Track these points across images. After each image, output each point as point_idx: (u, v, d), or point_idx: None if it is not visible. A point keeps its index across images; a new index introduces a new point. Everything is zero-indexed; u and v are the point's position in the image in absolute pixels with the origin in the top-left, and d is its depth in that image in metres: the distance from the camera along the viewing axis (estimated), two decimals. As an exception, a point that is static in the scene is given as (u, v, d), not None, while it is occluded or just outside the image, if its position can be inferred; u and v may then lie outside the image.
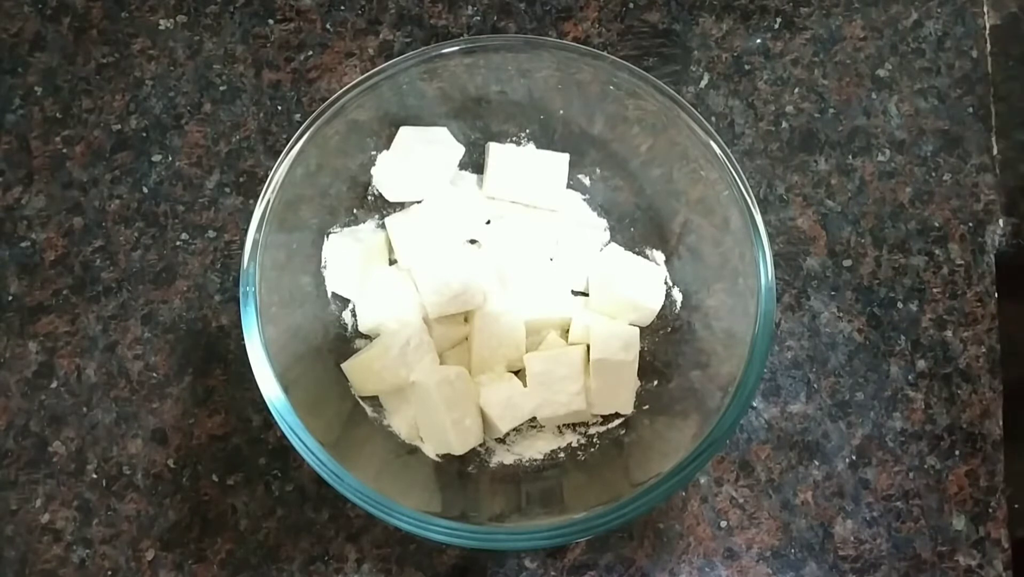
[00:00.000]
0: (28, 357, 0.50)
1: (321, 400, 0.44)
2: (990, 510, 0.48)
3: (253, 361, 0.40)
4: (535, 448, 0.47)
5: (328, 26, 0.56)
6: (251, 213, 0.42)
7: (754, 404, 0.49)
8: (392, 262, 0.49)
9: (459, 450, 0.45)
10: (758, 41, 0.56)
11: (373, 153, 0.48)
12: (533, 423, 0.47)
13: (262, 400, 0.40)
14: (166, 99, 0.54)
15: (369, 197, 0.49)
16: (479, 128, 0.50)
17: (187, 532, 0.47)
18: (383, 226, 0.49)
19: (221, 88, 0.54)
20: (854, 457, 0.48)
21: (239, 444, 0.48)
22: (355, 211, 0.49)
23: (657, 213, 0.49)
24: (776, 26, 0.56)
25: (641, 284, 0.47)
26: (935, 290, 0.51)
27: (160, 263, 0.51)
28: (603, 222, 0.50)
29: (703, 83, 0.55)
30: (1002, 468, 0.49)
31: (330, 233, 0.48)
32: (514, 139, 0.50)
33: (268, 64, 0.55)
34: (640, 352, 0.47)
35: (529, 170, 0.49)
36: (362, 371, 0.45)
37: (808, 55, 0.55)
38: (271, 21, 0.56)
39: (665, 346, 0.48)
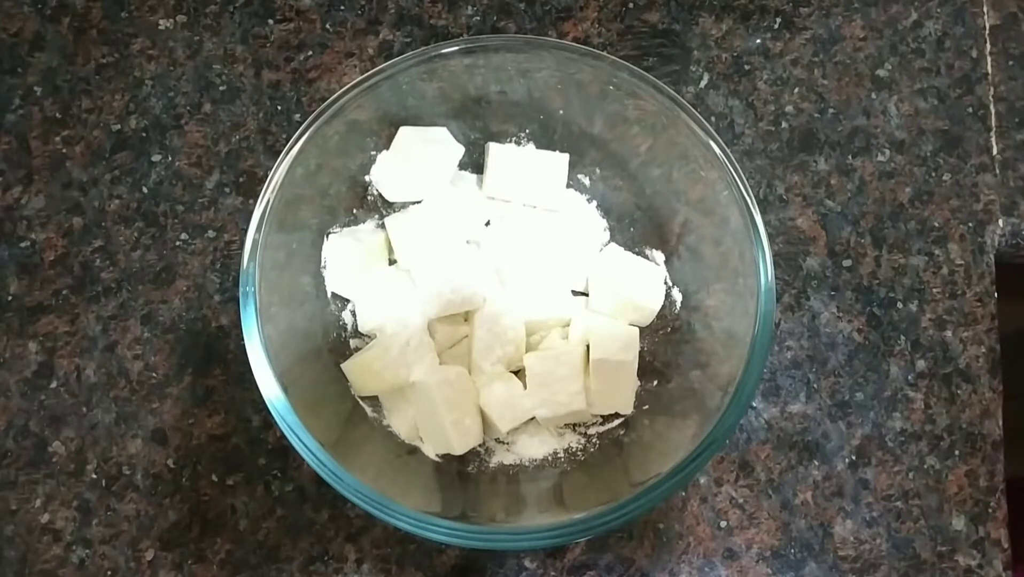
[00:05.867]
0: (28, 357, 0.50)
1: (321, 400, 0.44)
2: (990, 510, 0.48)
3: (253, 361, 0.40)
4: (535, 448, 0.46)
5: (328, 26, 0.56)
6: (251, 213, 0.42)
7: (754, 404, 0.49)
8: (392, 262, 0.49)
9: (459, 450, 0.45)
10: (758, 41, 0.56)
11: (373, 153, 0.48)
12: (533, 423, 0.47)
13: (262, 400, 0.40)
14: (166, 99, 0.54)
15: (369, 197, 0.49)
16: (479, 128, 0.50)
17: (187, 532, 0.47)
18: (383, 226, 0.49)
19: (221, 88, 0.54)
20: (854, 457, 0.48)
21: (239, 444, 0.48)
22: (355, 211, 0.49)
23: (657, 213, 0.49)
24: (776, 26, 0.56)
25: (641, 284, 0.47)
26: (935, 290, 0.51)
27: (160, 263, 0.51)
28: (603, 222, 0.50)
29: (703, 83, 0.55)
30: (1002, 468, 0.49)
31: (330, 233, 0.48)
32: (514, 139, 0.50)
33: (268, 64, 0.55)
34: (640, 352, 0.47)
35: (529, 170, 0.49)
36: (362, 371, 0.45)
37: (808, 55, 0.55)
38: (271, 21, 0.56)
39: (665, 346, 0.48)
